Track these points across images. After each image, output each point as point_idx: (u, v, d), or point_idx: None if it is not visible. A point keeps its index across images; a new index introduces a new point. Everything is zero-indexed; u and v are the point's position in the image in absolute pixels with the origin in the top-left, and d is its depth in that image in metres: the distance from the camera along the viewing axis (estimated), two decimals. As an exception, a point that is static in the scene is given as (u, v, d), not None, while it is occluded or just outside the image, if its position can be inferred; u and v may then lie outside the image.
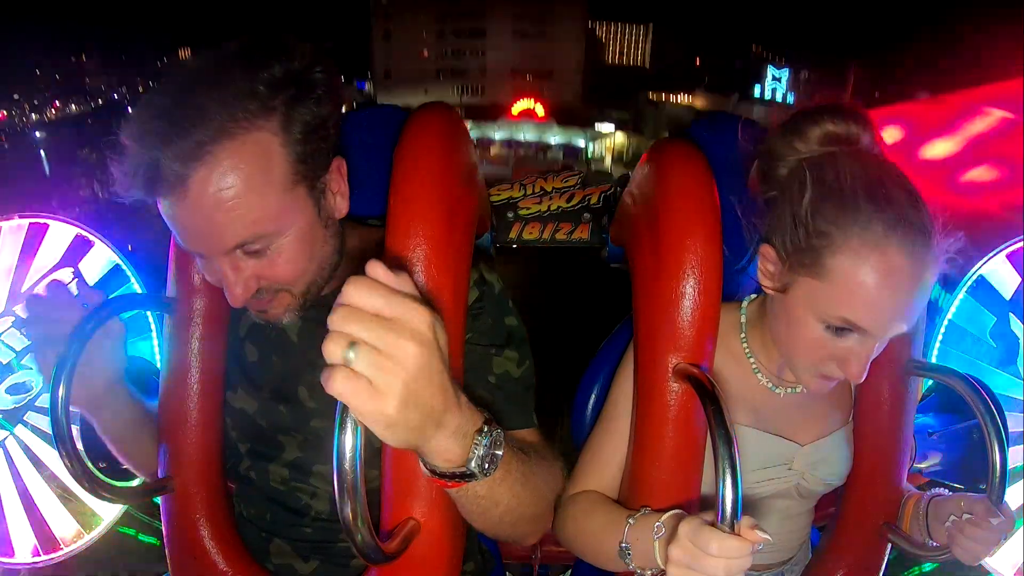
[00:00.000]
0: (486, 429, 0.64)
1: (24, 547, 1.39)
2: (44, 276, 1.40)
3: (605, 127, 36.40)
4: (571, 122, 36.09)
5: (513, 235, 1.42)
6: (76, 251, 1.41)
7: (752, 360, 0.91)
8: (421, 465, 0.65)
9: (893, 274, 0.74)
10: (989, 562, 1.34)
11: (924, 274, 0.75)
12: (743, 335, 0.92)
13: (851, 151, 0.80)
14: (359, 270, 0.54)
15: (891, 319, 0.76)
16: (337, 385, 0.50)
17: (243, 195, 0.71)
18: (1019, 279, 1.33)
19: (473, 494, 0.69)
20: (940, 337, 1.35)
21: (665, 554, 0.68)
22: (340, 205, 0.84)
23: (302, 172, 0.77)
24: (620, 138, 35.90)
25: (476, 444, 0.63)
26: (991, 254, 1.34)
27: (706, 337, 0.82)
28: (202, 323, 0.92)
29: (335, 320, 0.50)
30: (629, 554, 0.77)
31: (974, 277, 1.35)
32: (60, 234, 1.40)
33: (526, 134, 36.38)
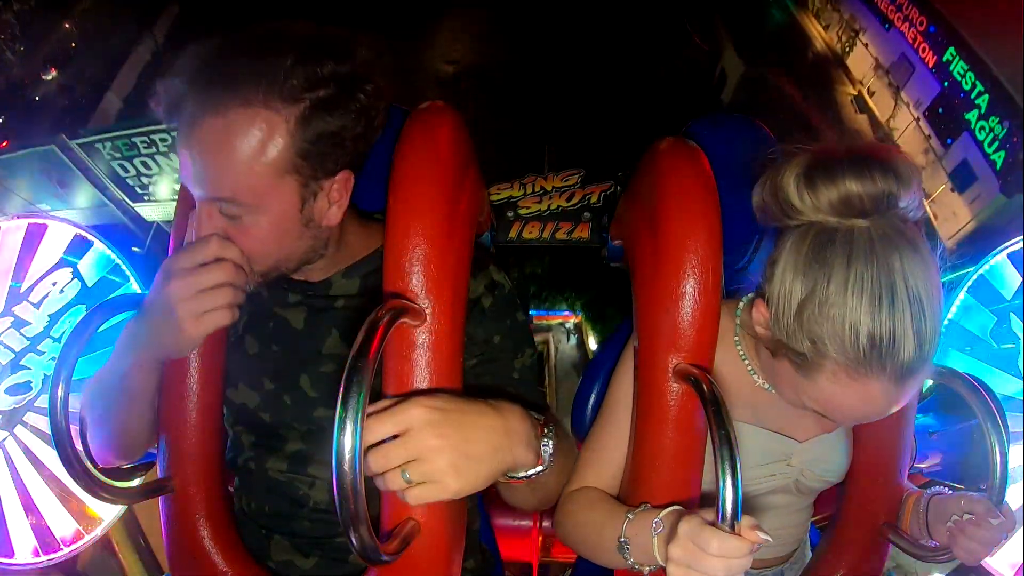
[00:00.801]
0: (548, 430, 0.75)
1: (24, 547, 1.39)
2: (44, 276, 1.41)
3: None
4: None
5: (513, 234, 1.43)
6: (75, 251, 1.41)
7: (746, 361, 0.91)
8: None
9: (875, 400, 0.72)
10: (989, 562, 1.34)
11: (911, 391, 0.72)
12: (736, 337, 0.92)
13: (869, 228, 0.70)
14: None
15: (868, 419, 0.77)
16: (414, 496, 0.64)
17: (235, 157, 0.75)
18: (1019, 279, 1.33)
19: (541, 483, 0.78)
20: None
21: (664, 551, 0.68)
22: (332, 214, 0.84)
23: (298, 166, 0.78)
24: None
25: (545, 445, 0.75)
26: (991, 254, 1.34)
27: (706, 337, 0.82)
28: (202, 323, 0.92)
29: (376, 465, 0.64)
30: (628, 549, 0.77)
31: (974, 277, 1.36)
32: (59, 234, 1.40)
33: None
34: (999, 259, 1.34)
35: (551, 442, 0.76)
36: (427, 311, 0.76)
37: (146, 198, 5.22)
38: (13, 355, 1.40)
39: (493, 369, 0.90)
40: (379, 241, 0.88)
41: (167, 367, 0.93)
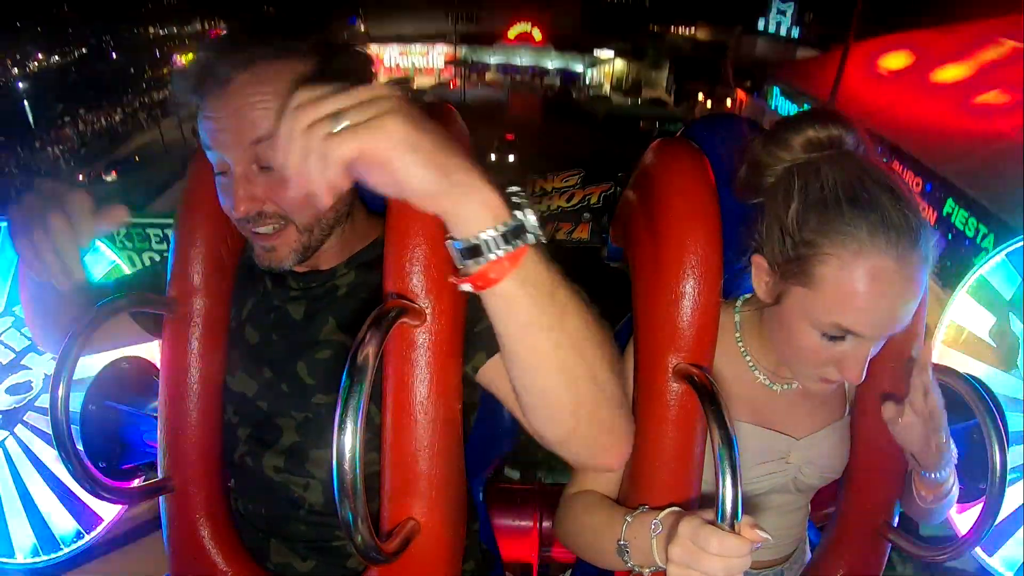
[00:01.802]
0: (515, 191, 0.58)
1: (24, 547, 1.40)
2: (44, 276, 1.40)
3: (604, 53, 34.91)
4: (569, 48, 34.63)
5: (513, 235, 1.42)
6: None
7: (748, 358, 0.92)
8: (460, 268, 0.58)
9: (881, 277, 0.74)
10: (989, 562, 1.35)
11: (913, 274, 0.76)
12: (738, 334, 0.93)
13: (834, 155, 0.80)
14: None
15: (883, 321, 0.77)
16: (335, 143, 0.51)
17: (272, 99, 0.80)
18: (1019, 279, 1.33)
19: (536, 283, 0.59)
20: (941, 337, 1.35)
21: (663, 552, 0.68)
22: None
23: None
24: (619, 65, 34.74)
25: (514, 193, 0.57)
26: (991, 254, 1.34)
27: (706, 337, 0.82)
28: (201, 323, 0.92)
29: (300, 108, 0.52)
30: (627, 552, 0.77)
31: (974, 277, 1.36)
32: (60, 234, 1.40)
33: (522, 59, 35.22)
34: (999, 259, 1.34)
35: (525, 202, 0.57)
36: (427, 311, 0.76)
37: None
38: (14, 355, 1.40)
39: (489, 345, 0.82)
40: (379, 231, 0.91)
41: (166, 367, 0.93)
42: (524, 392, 0.69)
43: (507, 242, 0.56)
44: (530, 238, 0.57)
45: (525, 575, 1.47)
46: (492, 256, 0.56)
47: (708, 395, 0.71)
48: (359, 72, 0.87)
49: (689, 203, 0.83)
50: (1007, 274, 1.34)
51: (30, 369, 1.41)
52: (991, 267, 1.35)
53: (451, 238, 0.57)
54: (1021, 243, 1.33)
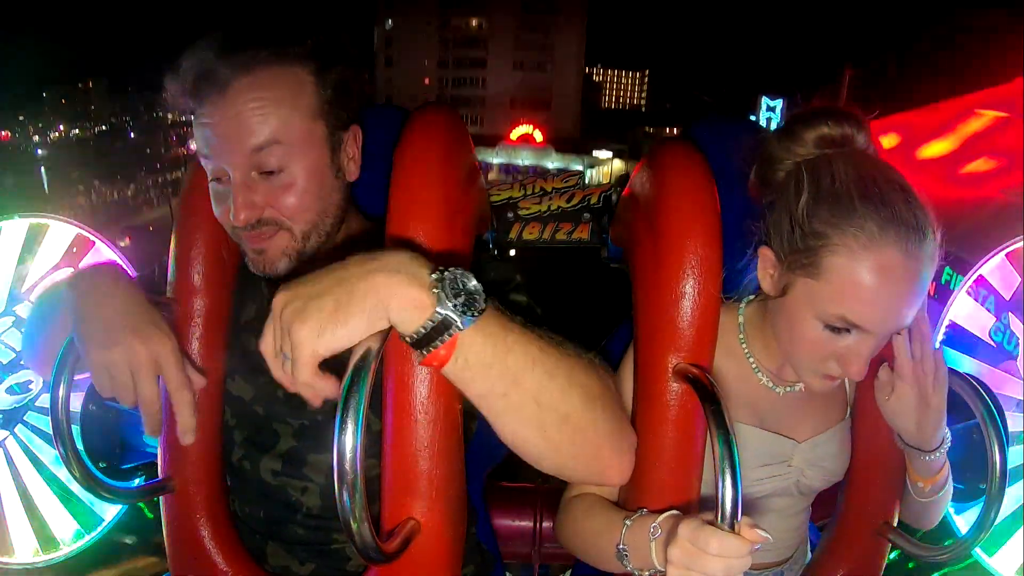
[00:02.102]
0: (439, 270, 0.61)
1: (24, 547, 1.39)
2: (44, 276, 1.40)
3: (603, 154, 36.62)
4: (569, 149, 36.19)
5: (513, 235, 1.42)
6: (76, 251, 1.41)
7: (751, 360, 0.92)
8: (414, 352, 0.63)
9: (888, 272, 0.75)
10: (989, 562, 1.34)
11: (920, 270, 0.76)
12: (741, 335, 0.92)
13: (846, 152, 0.81)
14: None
15: (888, 316, 0.77)
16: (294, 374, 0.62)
17: (273, 104, 0.80)
18: (1019, 279, 1.33)
19: (479, 363, 0.63)
20: (940, 337, 1.35)
21: (662, 555, 0.68)
22: (350, 168, 0.91)
23: (326, 113, 0.86)
24: (618, 164, 35.99)
25: (435, 283, 0.60)
26: (991, 254, 1.34)
27: (706, 337, 0.82)
28: (202, 323, 0.92)
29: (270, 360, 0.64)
30: (626, 556, 0.77)
31: (974, 277, 1.35)
32: (60, 234, 1.40)
33: (524, 160, 36.50)
34: (999, 259, 1.34)
35: (446, 281, 0.60)
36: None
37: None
38: (14, 354, 1.40)
39: None
40: (377, 234, 0.89)
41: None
42: (501, 438, 0.72)
43: (436, 335, 0.61)
44: (456, 329, 0.60)
45: (525, 575, 1.47)
46: (431, 349, 0.62)
47: (708, 395, 0.70)
48: (355, 79, 0.88)
49: (689, 203, 0.83)
50: (1007, 274, 1.34)
51: (30, 369, 1.41)
52: (991, 267, 1.35)
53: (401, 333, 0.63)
54: (1021, 243, 1.33)
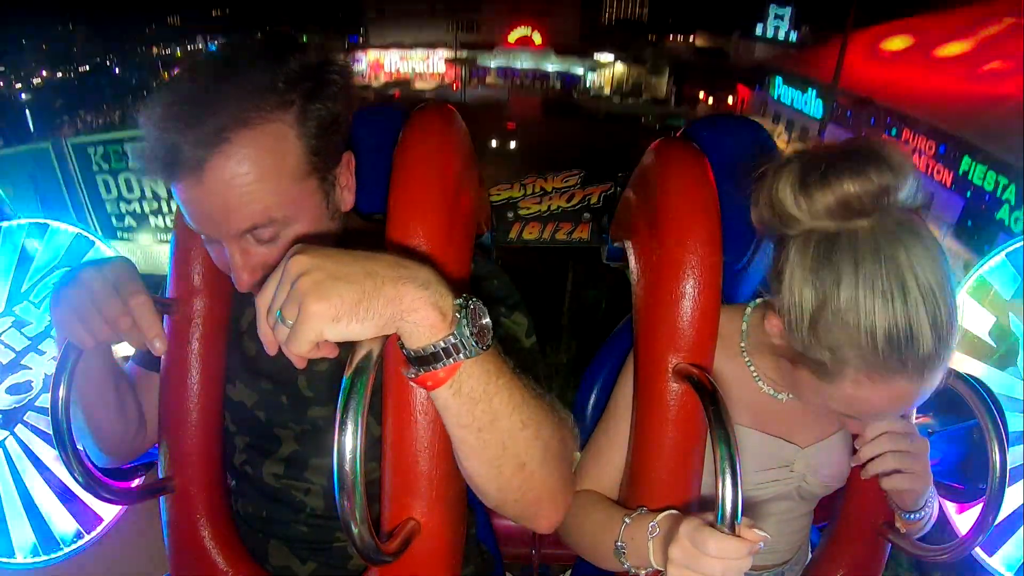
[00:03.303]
0: (463, 297, 0.62)
1: (24, 547, 1.40)
2: (44, 276, 1.41)
3: (604, 57, 34.55)
4: (569, 52, 34.47)
5: (513, 235, 1.42)
6: (76, 251, 1.41)
7: (752, 368, 0.91)
8: (408, 368, 0.63)
9: (899, 397, 0.73)
10: (989, 562, 1.34)
11: (932, 384, 0.72)
12: (743, 343, 0.91)
13: (875, 229, 0.69)
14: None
15: (895, 414, 0.79)
16: (289, 338, 0.58)
17: (257, 181, 0.73)
18: (1019, 279, 1.33)
19: (469, 395, 0.64)
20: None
21: (660, 554, 0.68)
22: (347, 198, 0.87)
23: (315, 164, 0.79)
24: (620, 68, 34.43)
25: (458, 308, 0.61)
26: (991, 254, 1.34)
27: (706, 337, 0.82)
28: (202, 323, 0.92)
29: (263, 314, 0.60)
30: (624, 553, 0.77)
31: (974, 277, 1.36)
32: (60, 234, 1.40)
33: (523, 63, 35.16)
34: (999, 259, 1.34)
35: (467, 310, 0.61)
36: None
37: (120, 235, 4.29)
38: (14, 354, 1.40)
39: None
40: (376, 236, 0.88)
41: (167, 368, 0.93)
42: (458, 462, 0.73)
43: (440, 359, 0.61)
44: (463, 356, 0.61)
45: (525, 575, 1.47)
46: (429, 369, 0.61)
47: (708, 395, 0.70)
48: (340, 98, 0.79)
49: (689, 203, 0.82)
50: (1007, 274, 1.34)
51: (30, 369, 1.41)
52: (991, 267, 1.35)
53: (403, 344, 0.62)
54: (1021, 243, 1.33)
